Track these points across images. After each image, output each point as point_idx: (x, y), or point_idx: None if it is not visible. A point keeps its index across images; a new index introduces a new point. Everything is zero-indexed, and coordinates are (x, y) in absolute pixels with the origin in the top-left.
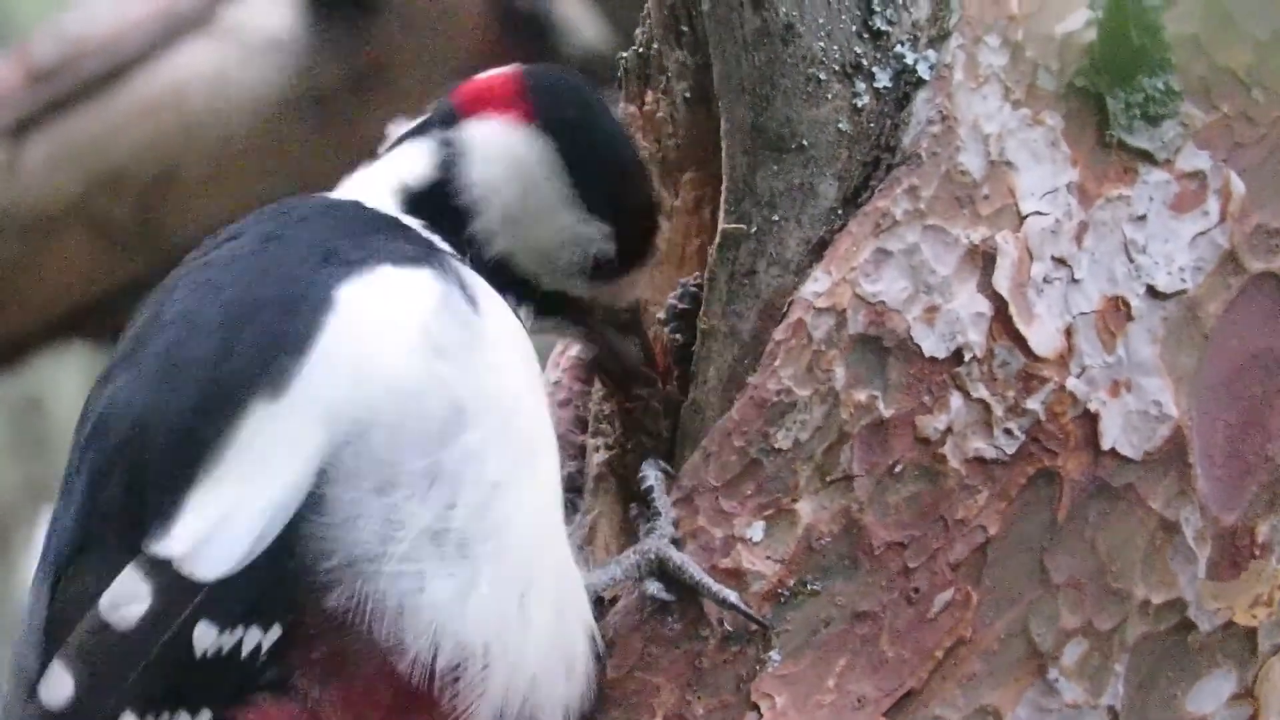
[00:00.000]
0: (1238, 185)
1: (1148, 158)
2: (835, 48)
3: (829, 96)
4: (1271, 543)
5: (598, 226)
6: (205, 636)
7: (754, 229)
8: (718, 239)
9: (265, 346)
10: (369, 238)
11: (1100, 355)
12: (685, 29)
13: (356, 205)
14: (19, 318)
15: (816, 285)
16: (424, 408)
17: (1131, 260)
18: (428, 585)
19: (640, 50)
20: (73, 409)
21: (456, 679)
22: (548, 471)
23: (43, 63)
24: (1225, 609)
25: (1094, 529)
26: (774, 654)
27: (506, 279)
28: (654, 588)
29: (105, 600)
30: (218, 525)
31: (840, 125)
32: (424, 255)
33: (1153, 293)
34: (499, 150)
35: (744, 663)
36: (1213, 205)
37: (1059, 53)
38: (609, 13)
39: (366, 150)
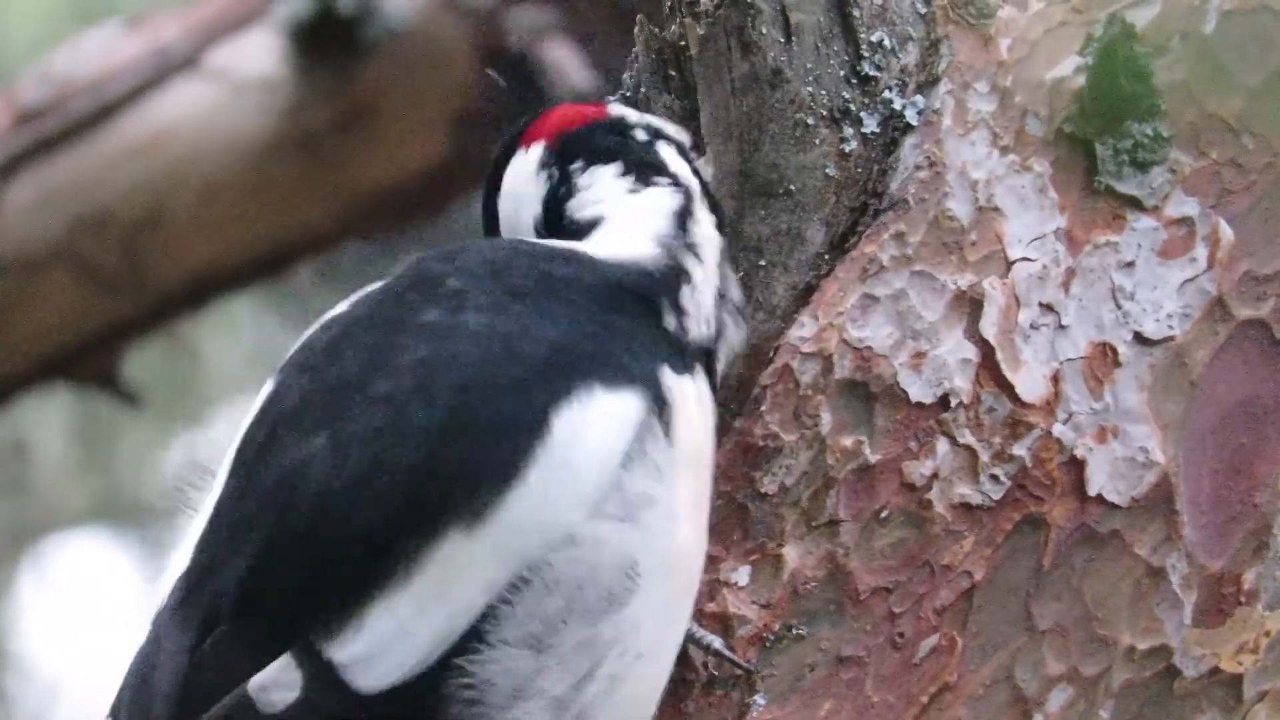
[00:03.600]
0: (1226, 232)
1: (1136, 204)
2: (823, 93)
3: (817, 142)
4: (1258, 590)
5: None
6: None
7: (741, 274)
8: None
9: (472, 470)
10: (594, 329)
11: (1087, 402)
12: (673, 73)
13: (593, 269)
14: (3, 358)
15: (803, 330)
16: (600, 574)
17: (1119, 307)
18: None
19: (628, 95)
20: (56, 450)
21: None
22: (690, 603)
23: (29, 103)
24: (1211, 655)
25: (1080, 575)
26: (759, 698)
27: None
28: None
29: (256, 680)
30: (389, 643)
31: (828, 170)
32: (635, 366)
33: (1140, 339)
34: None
35: (729, 707)
36: (1201, 252)
37: (1048, 99)
38: (597, 57)
39: (355, 192)
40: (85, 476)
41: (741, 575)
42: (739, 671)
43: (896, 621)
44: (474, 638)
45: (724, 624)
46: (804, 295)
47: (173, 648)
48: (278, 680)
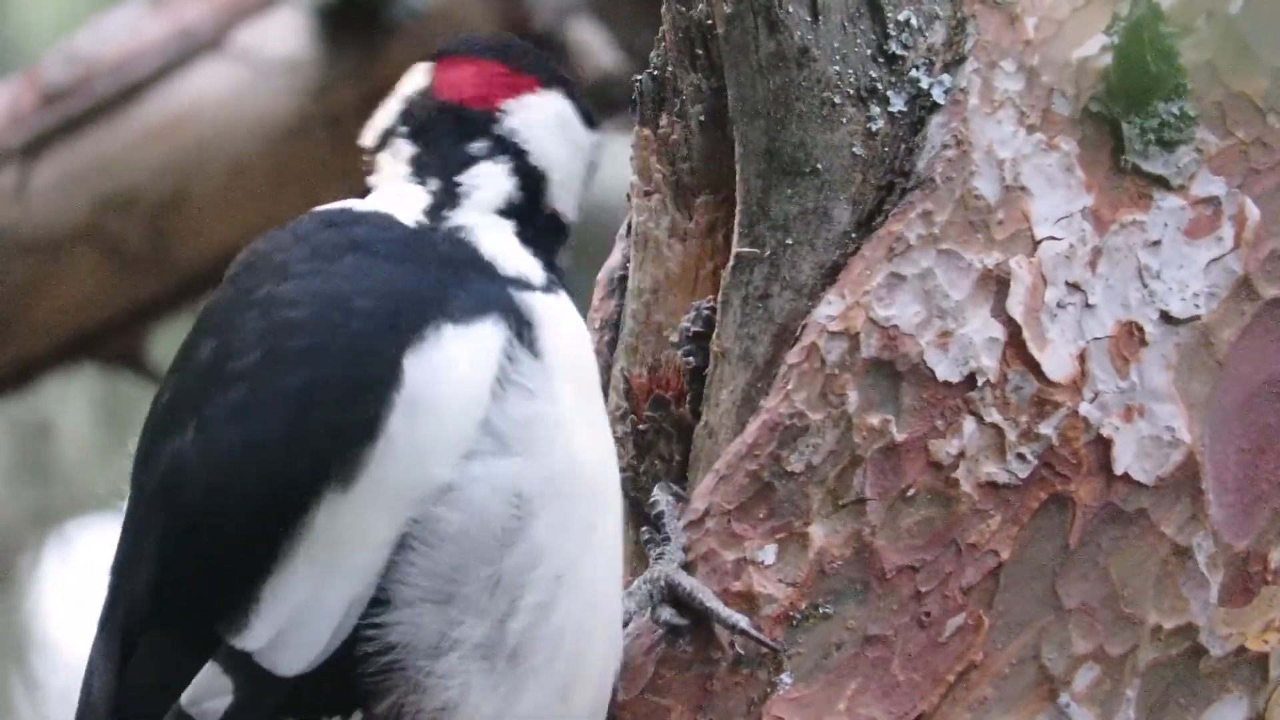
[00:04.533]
0: (1252, 211)
1: (1163, 183)
2: (850, 72)
3: (843, 121)
4: None
5: (592, 144)
6: None
7: (768, 252)
8: (731, 262)
9: (335, 431)
10: (429, 279)
11: (1114, 381)
12: (700, 53)
13: (412, 232)
14: (28, 339)
15: (830, 309)
16: (485, 514)
17: (1145, 286)
18: (470, 698)
19: (655, 74)
20: (81, 432)
21: None
22: (611, 520)
23: (54, 84)
24: (1237, 635)
25: (1106, 554)
26: (785, 677)
27: (555, 240)
28: (666, 613)
29: (187, 696)
30: (295, 618)
31: (854, 149)
32: (485, 296)
33: (1167, 319)
34: (541, 121)
35: (755, 686)
36: (1227, 231)
37: (1074, 78)
38: (624, 36)
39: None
40: (110, 458)
41: (768, 554)
42: (765, 650)
43: (923, 600)
44: (377, 603)
45: (750, 602)
46: (831, 274)
47: (102, 666)
48: (209, 689)
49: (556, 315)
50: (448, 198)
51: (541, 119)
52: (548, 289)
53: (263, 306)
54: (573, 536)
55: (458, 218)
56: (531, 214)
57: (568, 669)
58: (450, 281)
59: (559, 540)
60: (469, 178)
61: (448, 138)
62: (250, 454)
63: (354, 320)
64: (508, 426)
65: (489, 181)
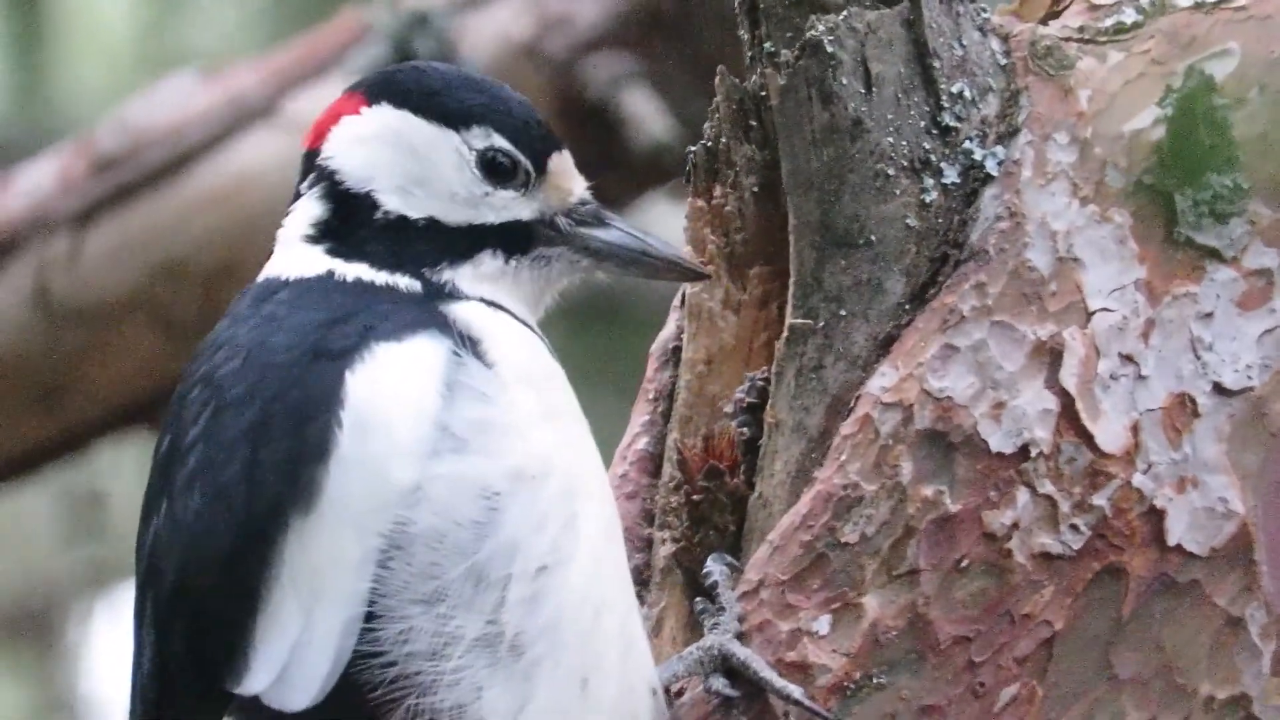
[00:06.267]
0: None
1: (1215, 255)
2: (904, 143)
3: (897, 192)
4: None
5: (461, 134)
6: None
7: (821, 324)
8: (785, 334)
9: (287, 458)
10: (344, 314)
11: (1166, 452)
12: (754, 124)
13: (306, 282)
14: (80, 407)
15: (884, 380)
16: (454, 512)
17: (1198, 357)
18: (483, 695)
19: (709, 145)
20: (132, 499)
21: None
22: (594, 511)
23: (106, 152)
24: None
25: (1159, 625)
26: None
27: (443, 245)
28: (719, 683)
29: None
30: (293, 654)
31: (908, 221)
32: (409, 314)
33: (1219, 390)
34: (357, 138)
35: None
36: (1279, 303)
37: (1127, 150)
38: (677, 107)
39: None
40: None
41: (822, 624)
42: None
43: (977, 671)
44: (370, 617)
45: (805, 673)
46: (884, 345)
47: None
48: None
49: (496, 326)
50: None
51: (356, 135)
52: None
53: (204, 380)
54: (550, 528)
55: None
56: (353, 229)
57: (578, 659)
58: (365, 309)
59: (534, 532)
60: (289, 217)
61: (300, 183)
62: (211, 506)
63: (279, 355)
64: (463, 428)
65: (298, 214)
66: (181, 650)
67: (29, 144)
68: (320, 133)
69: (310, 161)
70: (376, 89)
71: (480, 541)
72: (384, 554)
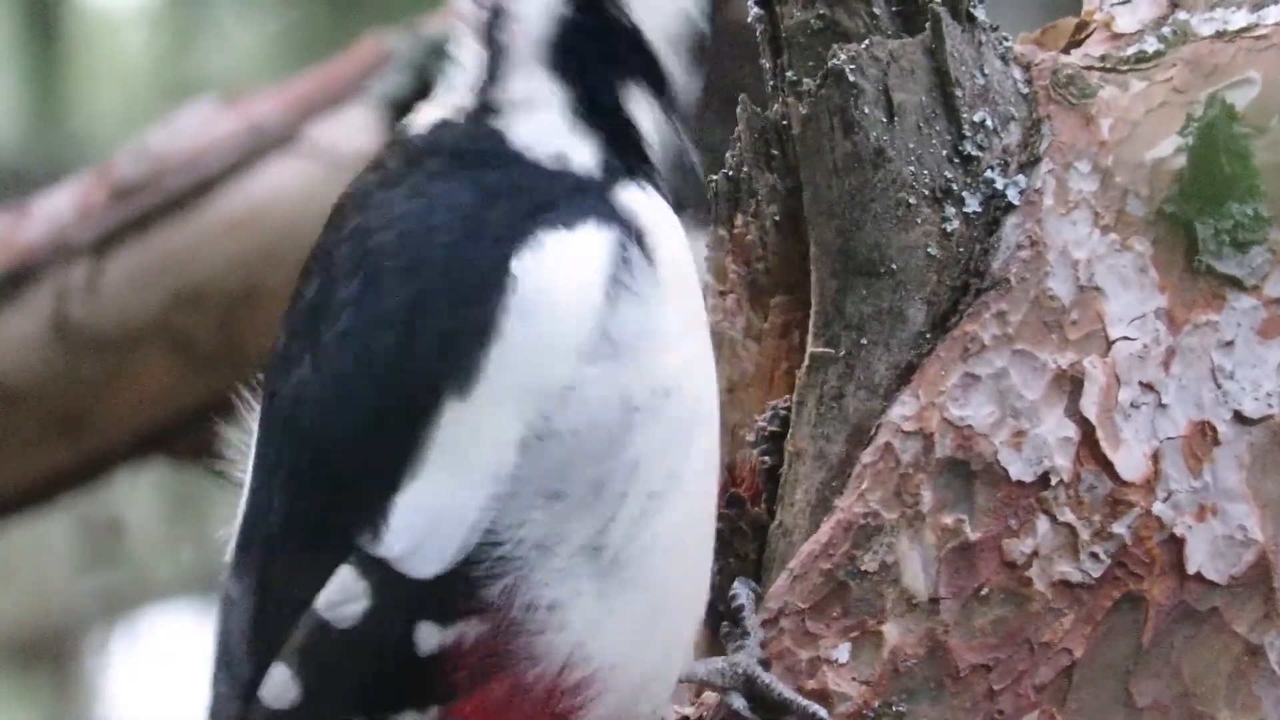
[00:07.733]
0: None
1: (1236, 284)
2: (925, 172)
3: (919, 221)
4: None
5: None
6: (429, 635)
7: (843, 353)
8: (806, 362)
9: (448, 338)
10: (517, 194)
11: (1186, 480)
12: (776, 153)
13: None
14: (99, 434)
15: (904, 409)
16: (597, 417)
17: (1219, 386)
18: (577, 601)
19: (730, 173)
20: (151, 526)
21: (575, 696)
22: (706, 436)
23: (125, 180)
24: None
25: (1179, 653)
26: None
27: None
28: (739, 704)
29: (322, 599)
30: (430, 525)
31: (930, 250)
32: (591, 201)
33: (1240, 418)
34: None
35: None
36: None
37: (1149, 179)
38: (699, 136)
39: None
40: (179, 549)
41: (842, 652)
42: None
43: (996, 699)
44: (499, 499)
45: (825, 701)
46: (905, 374)
47: (238, 596)
48: (344, 594)
49: (659, 218)
50: (492, 66)
51: None
52: (613, 179)
53: (355, 237)
54: (671, 452)
55: (498, 93)
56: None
57: (659, 592)
58: (533, 188)
59: (658, 453)
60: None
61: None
62: (366, 372)
63: (461, 228)
64: (621, 334)
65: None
66: (316, 502)
67: (48, 172)
68: None
69: None
70: None
71: (610, 451)
72: (524, 441)
